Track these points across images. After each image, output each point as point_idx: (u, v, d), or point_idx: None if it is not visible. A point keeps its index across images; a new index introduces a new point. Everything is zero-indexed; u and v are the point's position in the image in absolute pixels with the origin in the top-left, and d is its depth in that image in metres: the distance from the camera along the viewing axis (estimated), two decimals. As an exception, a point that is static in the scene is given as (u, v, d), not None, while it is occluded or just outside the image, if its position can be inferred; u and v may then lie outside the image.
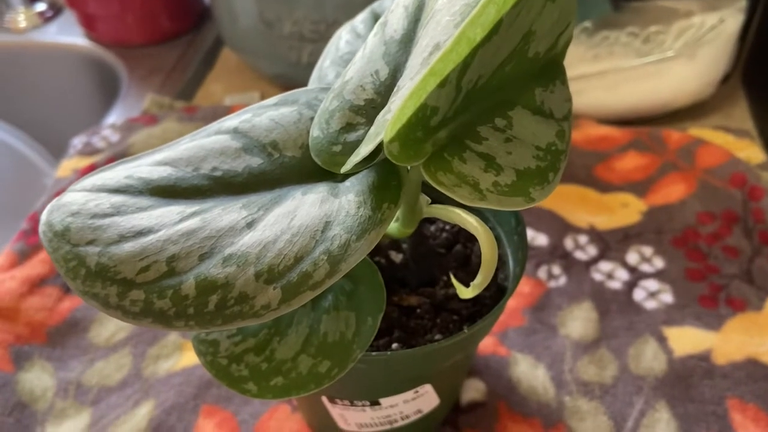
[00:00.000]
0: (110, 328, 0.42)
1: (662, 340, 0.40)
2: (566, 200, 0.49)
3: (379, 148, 0.22)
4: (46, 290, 0.43)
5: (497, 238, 0.34)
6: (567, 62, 0.56)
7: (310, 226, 0.20)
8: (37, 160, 0.63)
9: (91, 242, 0.21)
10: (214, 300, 0.20)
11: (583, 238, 0.47)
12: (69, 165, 0.53)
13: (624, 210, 0.49)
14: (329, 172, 0.23)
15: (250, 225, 0.21)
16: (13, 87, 0.72)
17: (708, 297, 0.43)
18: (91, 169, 0.50)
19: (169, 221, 0.22)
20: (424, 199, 0.23)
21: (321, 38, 0.55)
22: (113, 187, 0.23)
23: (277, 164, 0.23)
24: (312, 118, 0.24)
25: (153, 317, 0.20)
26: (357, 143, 0.22)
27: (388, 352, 0.26)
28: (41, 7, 0.75)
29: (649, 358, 0.40)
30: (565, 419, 0.37)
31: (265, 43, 0.57)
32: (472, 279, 0.31)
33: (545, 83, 0.22)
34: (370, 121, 0.22)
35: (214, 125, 0.25)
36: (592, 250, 0.46)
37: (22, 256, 0.44)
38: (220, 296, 0.20)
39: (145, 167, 0.24)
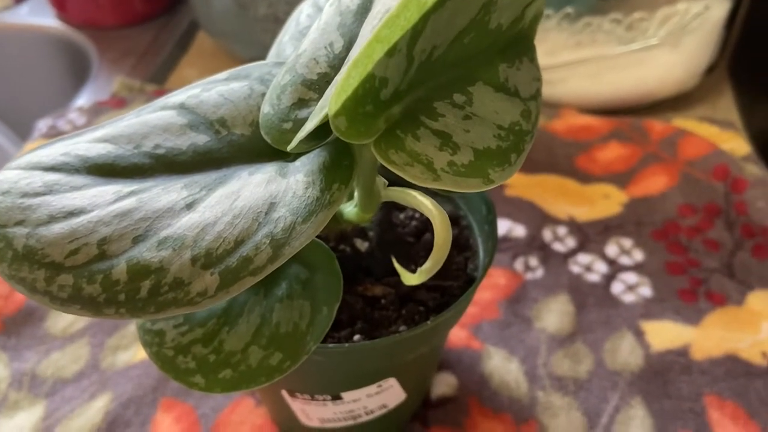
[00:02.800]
0: (67, 317, 0.40)
1: (639, 334, 0.39)
2: (546, 191, 0.48)
3: (326, 133, 0.21)
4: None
5: (469, 227, 0.32)
6: (549, 50, 0.54)
7: (253, 207, 0.19)
8: (3, 143, 0.61)
9: (19, 223, 0.20)
10: (146, 286, 0.18)
11: (562, 230, 0.46)
12: (32, 148, 0.50)
13: (605, 201, 0.48)
14: (280, 152, 0.21)
15: (190, 206, 0.20)
16: (-18, 69, 0.70)
17: (688, 291, 0.42)
18: (54, 152, 0.48)
19: (104, 201, 0.20)
20: (381, 181, 0.22)
21: (297, 21, 0.53)
22: (48, 165, 0.21)
23: (224, 142, 0.22)
24: (264, 94, 0.22)
25: (81, 304, 0.19)
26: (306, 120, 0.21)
27: (347, 345, 0.25)
28: (12, -13, 0.72)
29: (625, 353, 0.38)
30: (537, 415, 0.36)
31: (239, 26, 0.56)
32: (441, 271, 0.30)
33: (511, 59, 0.21)
34: (321, 97, 0.21)
35: (161, 100, 0.24)
36: (570, 242, 0.45)
37: (-21, 242, 0.42)
38: (153, 282, 0.18)
39: (84, 144, 0.22)
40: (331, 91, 0.18)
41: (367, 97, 0.16)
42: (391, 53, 0.15)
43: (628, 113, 0.54)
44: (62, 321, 0.40)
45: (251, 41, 0.56)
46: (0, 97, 0.70)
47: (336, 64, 0.20)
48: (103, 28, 0.66)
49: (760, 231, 0.44)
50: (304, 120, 0.21)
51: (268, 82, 0.23)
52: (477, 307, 0.41)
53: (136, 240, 0.19)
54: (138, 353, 0.38)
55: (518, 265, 0.43)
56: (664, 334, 0.39)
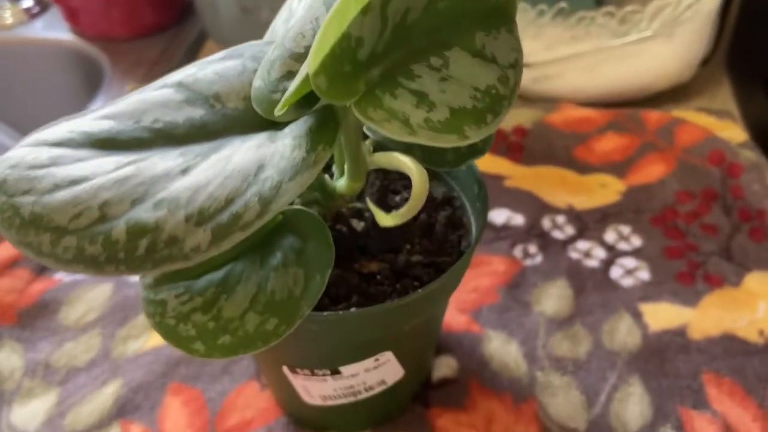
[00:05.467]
0: (80, 309, 0.41)
1: (637, 315, 0.40)
2: (545, 181, 0.49)
3: (314, 101, 0.22)
4: (17, 272, 0.43)
5: (462, 207, 0.33)
6: (546, 45, 0.55)
7: (243, 169, 0.20)
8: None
9: (26, 192, 0.21)
10: (144, 244, 0.20)
11: (560, 218, 0.46)
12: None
13: (603, 190, 0.48)
14: (271, 123, 0.23)
15: (184, 171, 0.21)
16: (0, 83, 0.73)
17: (685, 274, 0.42)
18: (67, 155, 0.50)
19: (105, 170, 0.21)
20: (367, 147, 0.23)
21: (299, 24, 0.55)
22: (54, 141, 0.23)
23: (219, 116, 0.23)
24: (256, 71, 0.24)
25: (84, 263, 0.20)
26: (296, 90, 0.22)
27: (340, 312, 0.26)
28: (27, 3, 0.75)
29: (623, 334, 0.39)
30: (536, 394, 0.36)
31: (244, 32, 0.57)
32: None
33: (488, 28, 0.22)
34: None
35: (160, 81, 0.25)
36: (569, 230, 0.46)
37: (-5, 240, 0.44)
38: (150, 240, 0.19)
39: (88, 121, 0.23)
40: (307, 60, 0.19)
41: (345, 56, 0.17)
42: (365, 11, 0.17)
43: (626, 107, 0.55)
44: (75, 313, 0.41)
45: (256, 46, 0.58)
46: (16, 110, 0.72)
47: (321, 36, 0.22)
48: (115, 40, 0.68)
49: (757, 214, 0.45)
50: (291, 90, 0.22)
51: (260, 60, 0.24)
52: (477, 293, 0.42)
53: (135, 203, 0.20)
54: (148, 342, 0.39)
55: (517, 252, 0.44)
56: (662, 315, 0.40)
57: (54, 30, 0.71)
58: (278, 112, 0.20)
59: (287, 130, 0.21)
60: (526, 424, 0.35)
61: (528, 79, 0.55)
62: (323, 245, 0.24)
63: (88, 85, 0.69)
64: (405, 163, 0.20)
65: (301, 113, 0.22)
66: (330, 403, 0.32)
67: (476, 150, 0.29)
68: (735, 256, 0.43)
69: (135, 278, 0.43)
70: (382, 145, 0.27)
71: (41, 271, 0.43)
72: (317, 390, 0.32)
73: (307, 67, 0.18)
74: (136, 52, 0.67)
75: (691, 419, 0.35)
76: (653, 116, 0.51)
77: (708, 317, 0.39)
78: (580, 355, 0.38)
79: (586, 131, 0.52)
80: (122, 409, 0.36)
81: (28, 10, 0.74)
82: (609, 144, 0.51)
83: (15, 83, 0.72)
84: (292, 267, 0.24)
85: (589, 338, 0.39)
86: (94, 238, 0.20)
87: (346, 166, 0.24)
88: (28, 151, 0.23)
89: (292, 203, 0.26)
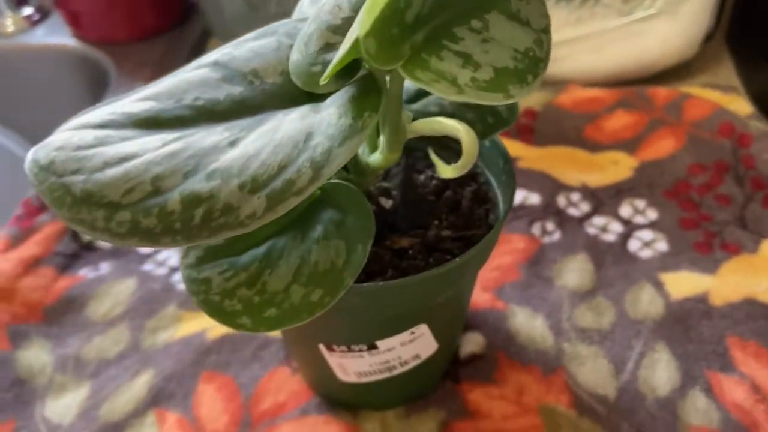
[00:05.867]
0: (107, 303, 0.41)
1: (659, 285, 0.40)
2: (557, 161, 0.50)
3: (357, 64, 0.23)
4: (41, 271, 0.43)
5: (487, 182, 0.34)
6: (552, 28, 0.56)
7: (292, 137, 0.20)
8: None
9: (75, 171, 0.21)
10: (199, 213, 0.20)
11: (575, 196, 0.47)
12: (60, 154, 0.52)
13: (615, 167, 0.49)
14: (311, 96, 0.23)
15: (232, 143, 0.21)
16: (4, 90, 0.73)
17: (703, 243, 0.43)
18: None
19: (153, 146, 0.22)
20: (407, 115, 0.23)
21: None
22: (97, 123, 0.23)
23: (258, 91, 0.23)
24: (291, 46, 0.24)
25: (140, 236, 0.20)
26: (336, 61, 0.22)
27: (380, 283, 0.26)
28: (28, 11, 0.75)
29: (646, 303, 0.39)
30: (564, 364, 0.37)
31: (251, 28, 0.57)
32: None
33: (520, -6, 0.22)
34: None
35: (194, 62, 0.25)
36: (585, 207, 0.46)
37: (16, 240, 0.44)
38: (205, 209, 0.20)
39: (129, 103, 0.24)
40: (357, 24, 0.20)
41: (394, 18, 0.18)
42: (413, -26, 0.17)
43: (632, 85, 0.55)
44: (102, 307, 0.41)
45: (262, 41, 0.58)
46: (23, 116, 0.73)
47: (358, 7, 0.22)
48: (118, 42, 0.68)
49: (769, 182, 0.45)
50: (330, 61, 0.22)
51: (294, 36, 0.24)
52: (498, 272, 0.42)
53: (187, 175, 0.21)
54: (177, 332, 0.40)
55: (535, 229, 0.45)
56: (683, 283, 0.40)
57: (56, 36, 0.71)
58: (323, 81, 0.21)
59: (329, 100, 0.22)
60: (557, 394, 0.35)
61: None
62: (363, 217, 0.25)
63: (94, 89, 0.70)
64: (451, 125, 0.21)
65: (341, 84, 0.22)
66: (365, 380, 0.33)
67: (502, 121, 0.30)
68: (749, 225, 0.44)
69: (160, 272, 0.43)
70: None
71: (65, 268, 0.43)
72: (353, 367, 0.32)
73: (356, 31, 0.18)
74: (140, 54, 0.67)
75: (719, 382, 0.35)
76: (661, 93, 0.52)
77: (728, 284, 0.40)
78: (605, 326, 0.39)
79: (595, 111, 0.53)
80: (156, 398, 0.36)
81: (29, 17, 0.74)
82: (619, 122, 0.52)
83: (20, 90, 0.72)
84: (333, 239, 0.25)
85: (613, 309, 0.39)
86: (148, 210, 0.20)
87: (382, 138, 0.25)
88: (72, 134, 0.23)
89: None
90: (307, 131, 0.20)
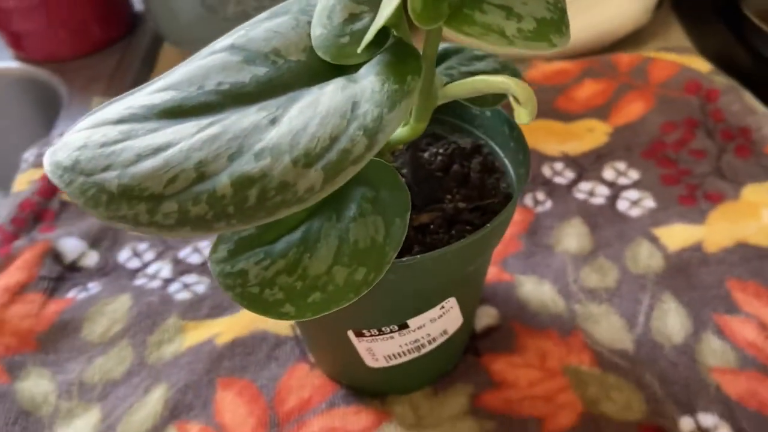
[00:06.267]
0: (103, 323, 0.40)
1: (654, 240, 0.42)
2: (534, 134, 0.50)
3: (385, 33, 0.22)
4: (28, 297, 0.41)
5: (492, 153, 0.34)
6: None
7: (338, 108, 0.20)
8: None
9: (106, 168, 0.20)
10: (253, 194, 0.19)
11: (558, 165, 0.48)
12: (24, 178, 0.50)
13: (591, 134, 0.50)
14: (339, 70, 0.23)
15: (273, 121, 0.21)
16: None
17: (687, 196, 0.44)
18: (50, 174, 0.48)
19: (187, 134, 0.21)
20: (440, 80, 0.23)
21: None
22: (115, 119, 0.22)
23: (283, 70, 0.23)
24: (309, 23, 0.24)
25: (191, 225, 0.19)
26: (364, 31, 0.22)
27: (417, 256, 0.26)
28: (-40, 36, 0.71)
29: (645, 258, 0.41)
30: (579, 325, 0.37)
31: (209, 30, 0.56)
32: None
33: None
34: (373, 8, 0.22)
35: (206, 50, 0.25)
36: (569, 174, 0.47)
37: (-6, 269, 0.42)
38: (259, 189, 0.19)
39: (144, 97, 0.23)
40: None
41: (438, -24, 0.18)
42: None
43: (592, 56, 0.57)
44: (99, 327, 0.39)
45: (223, 43, 0.57)
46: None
47: (380, -25, 0.22)
48: (65, 59, 0.66)
49: (739, 132, 0.47)
50: (359, 31, 0.22)
51: (309, 12, 0.24)
52: (500, 245, 0.42)
53: (232, 157, 0.20)
54: (184, 343, 0.38)
55: (528, 201, 0.45)
56: (676, 235, 0.42)
57: (-4, 59, 0.68)
58: (360, 49, 0.20)
59: (364, 70, 0.22)
60: (578, 354, 0.36)
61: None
62: (397, 190, 0.25)
63: (45, 110, 0.66)
64: (494, 80, 0.21)
65: (371, 54, 0.22)
66: (393, 362, 0.32)
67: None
68: (727, 174, 0.46)
69: (153, 285, 0.42)
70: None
71: (52, 292, 0.41)
72: (382, 350, 0.32)
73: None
74: (91, 69, 0.65)
75: (728, 323, 0.37)
76: (624, 59, 0.54)
77: (718, 231, 0.42)
78: (611, 284, 0.39)
79: (563, 82, 0.54)
80: (175, 411, 0.35)
81: (-38, 42, 0.70)
82: (588, 91, 0.53)
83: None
84: (369, 216, 0.24)
85: (615, 267, 0.40)
86: (197, 198, 0.19)
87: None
88: (91, 132, 0.22)
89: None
90: (352, 101, 0.20)
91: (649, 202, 0.44)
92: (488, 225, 0.27)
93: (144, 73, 0.64)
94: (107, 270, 0.43)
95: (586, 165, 0.48)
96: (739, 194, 0.44)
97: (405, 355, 0.32)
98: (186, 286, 0.42)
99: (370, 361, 0.33)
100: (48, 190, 0.47)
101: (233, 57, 0.23)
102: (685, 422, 0.33)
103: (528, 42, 0.19)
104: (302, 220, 0.25)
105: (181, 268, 0.43)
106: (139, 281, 0.42)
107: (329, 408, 0.35)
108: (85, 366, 0.38)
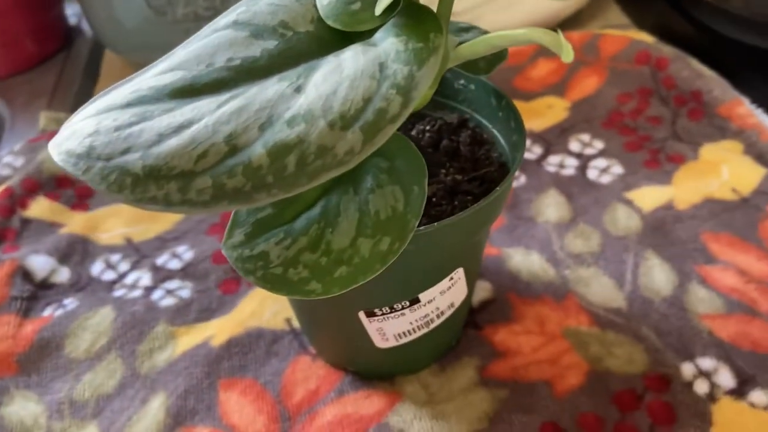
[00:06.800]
0: (86, 338, 0.38)
1: (628, 203, 0.43)
2: (498, 114, 0.51)
3: (395, 2, 0.22)
4: (2, 319, 0.38)
5: (479, 125, 0.35)
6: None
7: (365, 70, 0.20)
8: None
9: (126, 151, 0.20)
10: (292, 161, 0.19)
11: (526, 141, 0.49)
12: (-26, 199, 0.47)
13: (551, 111, 0.52)
14: (349, 38, 0.22)
15: (298, 90, 0.20)
16: None
17: (651, 160, 0.46)
18: (7, 193, 0.45)
19: (208, 110, 0.20)
20: (452, 40, 0.23)
21: (218, 13, 0.53)
22: (123, 103, 0.21)
23: (293, 42, 0.22)
24: (314, -6, 0.23)
25: (229, 199, 0.19)
26: (376, -5, 0.22)
27: (435, 224, 0.26)
28: None
29: (624, 220, 0.42)
30: (572, 289, 0.38)
31: (157, 34, 0.55)
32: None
33: None
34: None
35: (206, 29, 0.24)
36: (537, 149, 0.48)
37: (-42, 295, 0.39)
38: (297, 155, 0.19)
39: (150, 79, 0.22)
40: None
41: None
42: None
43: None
44: (83, 343, 0.37)
45: (173, 45, 0.55)
46: None
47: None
48: (1, 77, 0.62)
49: (691, 96, 0.50)
50: (371, -3, 0.22)
51: (312, -16, 0.24)
52: (481, 221, 0.43)
53: (263, 127, 0.19)
54: (176, 348, 0.37)
55: (502, 177, 0.46)
56: (648, 197, 0.43)
57: None
58: (379, 11, 0.20)
59: (380, 34, 0.21)
60: (576, 316, 0.37)
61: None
62: (411, 157, 0.25)
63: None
64: (513, 33, 0.21)
65: (384, 18, 0.22)
66: (403, 341, 0.32)
67: (500, 55, 0.30)
68: (684, 137, 0.48)
69: (135, 294, 0.40)
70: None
71: (27, 312, 0.39)
72: (393, 329, 0.31)
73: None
74: (30, 84, 0.62)
75: (709, 273, 0.38)
76: (574, 36, 0.56)
77: (685, 189, 0.44)
78: (595, 248, 0.41)
79: (518, 63, 0.55)
80: (179, 417, 0.34)
81: None
82: (543, 69, 0.54)
83: None
84: (387, 186, 0.24)
85: (596, 232, 0.42)
86: (232, 170, 0.19)
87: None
88: (100, 118, 0.21)
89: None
90: (378, 62, 0.20)
91: (618, 169, 0.46)
92: (497, 189, 0.27)
93: (88, 85, 0.61)
94: (82, 284, 0.41)
95: (552, 139, 0.49)
96: (698, 154, 0.46)
97: (415, 332, 0.32)
98: (169, 292, 0.40)
99: (380, 342, 0.32)
100: (6, 208, 0.45)
101: (240, 33, 0.23)
102: (687, 368, 0.34)
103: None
104: (318, 197, 0.25)
105: (162, 275, 0.41)
106: (119, 292, 0.40)
107: (339, 396, 0.34)
108: (73, 383, 0.36)
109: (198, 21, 0.54)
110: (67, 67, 0.63)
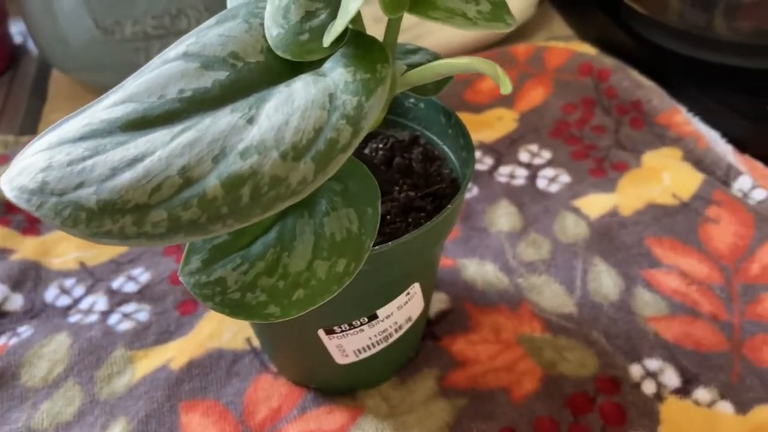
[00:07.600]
0: (43, 366, 0.37)
1: (576, 211, 0.45)
2: (449, 126, 0.53)
3: (343, 33, 0.23)
4: (-48, 351, 0.37)
5: (430, 142, 0.36)
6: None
7: (315, 101, 0.20)
8: None
9: (79, 186, 0.20)
10: (246, 192, 0.19)
11: (478, 153, 0.50)
12: None
13: (500, 122, 0.53)
14: (299, 68, 0.23)
15: (251, 121, 0.21)
16: None
17: (596, 169, 0.48)
18: (-47, 220, 0.44)
19: (161, 143, 0.21)
20: (400, 66, 0.24)
21: (168, 32, 0.53)
22: (76, 137, 0.21)
23: (244, 72, 0.23)
24: (261, 25, 0.24)
25: (184, 231, 0.19)
26: (323, 27, 0.23)
27: (389, 243, 0.27)
28: None
29: (572, 228, 0.44)
30: (525, 297, 0.40)
31: (106, 53, 0.54)
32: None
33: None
34: (327, 5, 0.23)
35: (156, 60, 0.24)
36: (488, 160, 0.50)
37: None
38: (251, 187, 0.19)
39: (101, 111, 0.22)
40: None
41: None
42: None
43: (488, 50, 0.60)
44: (39, 371, 0.37)
45: (122, 65, 0.55)
46: None
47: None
48: (-59, 99, 0.61)
49: (631, 106, 0.52)
50: (318, 27, 0.23)
51: (260, 15, 0.24)
52: (436, 233, 0.44)
53: (216, 159, 0.20)
54: (135, 373, 0.37)
55: (455, 189, 0.47)
56: (594, 204, 0.45)
57: None
58: (328, 43, 0.21)
59: (329, 64, 0.22)
60: (529, 323, 0.38)
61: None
62: (364, 180, 0.25)
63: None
64: (457, 62, 0.22)
65: (332, 49, 0.23)
66: (363, 356, 0.33)
67: (447, 79, 0.31)
68: (627, 145, 0.50)
69: (90, 319, 0.40)
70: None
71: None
72: (352, 345, 0.32)
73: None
74: (-27, 107, 0.60)
75: (653, 276, 0.40)
76: (520, 49, 0.57)
77: (629, 196, 0.45)
78: (545, 256, 0.42)
79: (467, 77, 0.56)
80: (141, 443, 0.33)
81: None
82: (492, 82, 0.56)
83: None
84: (341, 208, 0.25)
85: (547, 240, 0.43)
86: (187, 203, 0.19)
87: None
88: (52, 153, 0.21)
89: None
90: (328, 92, 0.21)
91: (565, 178, 0.48)
92: (449, 206, 0.28)
93: (35, 105, 0.60)
94: (35, 312, 0.40)
95: (502, 150, 0.50)
96: (640, 162, 0.48)
97: (374, 347, 0.33)
98: (126, 315, 0.40)
99: (340, 358, 0.33)
100: (-47, 236, 0.44)
101: (190, 64, 0.23)
102: (635, 369, 0.35)
103: (488, 23, 0.20)
104: (274, 221, 0.25)
105: (118, 299, 0.41)
106: (74, 318, 0.40)
107: (301, 413, 0.35)
108: (30, 413, 0.35)
109: (147, 40, 0.53)
110: (14, 88, 0.62)
